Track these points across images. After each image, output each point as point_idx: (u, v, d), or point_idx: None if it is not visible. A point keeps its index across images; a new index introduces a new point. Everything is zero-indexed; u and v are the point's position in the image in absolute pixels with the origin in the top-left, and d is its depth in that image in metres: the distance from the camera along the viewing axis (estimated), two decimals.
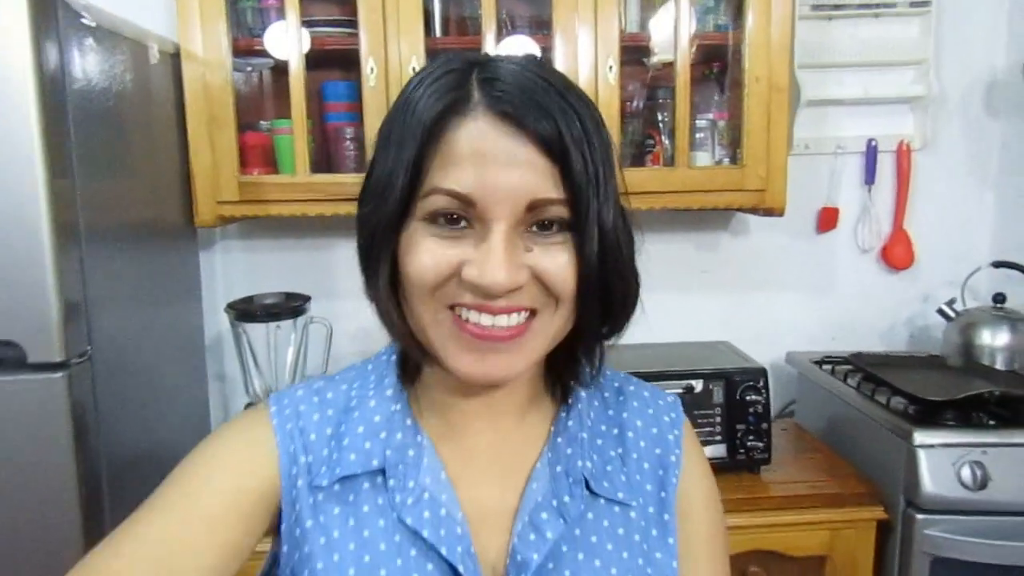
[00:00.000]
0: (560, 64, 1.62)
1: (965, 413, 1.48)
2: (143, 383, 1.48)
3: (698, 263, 2.03)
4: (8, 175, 1.12)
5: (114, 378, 1.32)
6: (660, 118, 1.80)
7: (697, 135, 1.76)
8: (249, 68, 1.78)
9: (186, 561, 0.59)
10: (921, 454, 1.41)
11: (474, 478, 0.67)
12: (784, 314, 2.05)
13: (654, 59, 1.77)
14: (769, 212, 1.72)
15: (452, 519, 0.63)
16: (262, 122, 1.78)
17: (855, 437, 1.65)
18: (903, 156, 1.98)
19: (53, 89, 1.16)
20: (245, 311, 1.62)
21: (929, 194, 2.02)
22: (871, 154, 1.98)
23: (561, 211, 0.58)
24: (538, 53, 1.67)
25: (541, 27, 1.70)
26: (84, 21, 1.25)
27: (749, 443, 1.53)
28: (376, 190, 0.61)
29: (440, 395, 0.68)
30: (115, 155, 1.39)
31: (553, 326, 0.62)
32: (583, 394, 0.72)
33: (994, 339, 1.73)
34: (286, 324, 1.62)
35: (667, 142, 1.76)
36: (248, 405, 1.67)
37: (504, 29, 1.70)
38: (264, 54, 1.65)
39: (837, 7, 1.94)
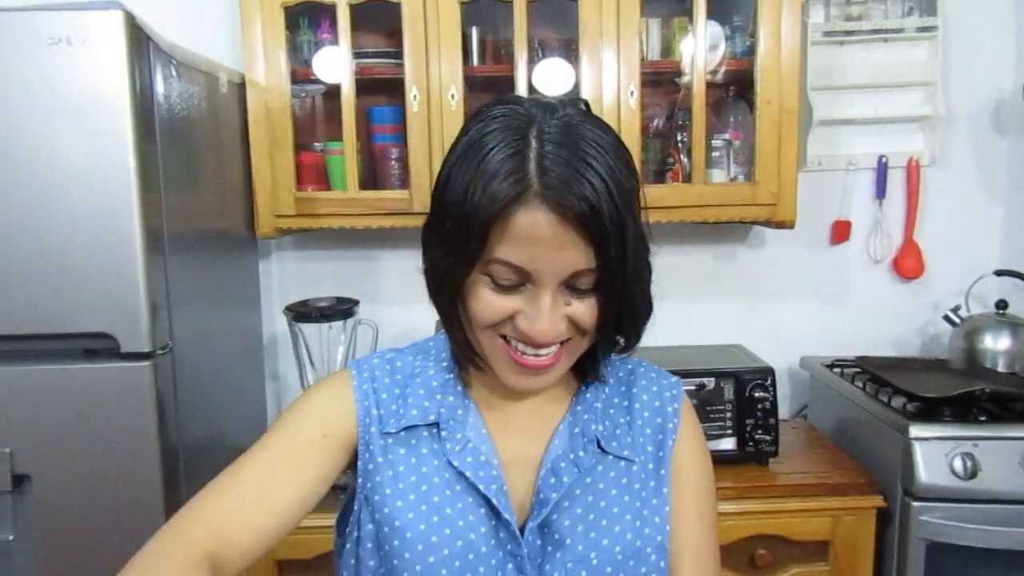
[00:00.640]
0: (586, 89, 1.78)
1: (960, 410, 1.59)
2: (211, 377, 1.66)
3: (716, 273, 2.16)
4: (107, 188, 1.31)
5: (189, 370, 1.50)
6: (679, 138, 1.95)
7: (713, 154, 1.90)
8: (304, 94, 1.97)
9: (280, 490, 0.77)
10: (917, 446, 1.53)
11: (509, 434, 0.83)
12: (799, 322, 2.17)
13: (677, 81, 1.92)
14: (780, 225, 1.85)
15: (490, 464, 0.80)
16: (315, 143, 1.97)
17: (859, 433, 1.77)
18: (912, 172, 2.10)
19: (145, 114, 1.35)
20: (301, 313, 1.80)
21: (938, 208, 2.13)
22: (882, 170, 2.10)
23: (595, 277, 0.73)
24: (572, 77, 1.83)
25: (569, 53, 1.86)
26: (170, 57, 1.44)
27: (757, 436, 1.66)
28: (450, 239, 0.73)
29: (491, 380, 0.84)
30: (191, 172, 1.58)
31: (580, 349, 0.79)
32: (600, 372, 0.88)
33: (996, 343, 1.84)
34: (337, 325, 1.80)
35: (685, 160, 1.91)
36: None
37: (535, 56, 1.86)
38: (318, 81, 1.84)
39: (848, 33, 2.06)
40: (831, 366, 1.97)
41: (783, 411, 2.11)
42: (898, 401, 1.66)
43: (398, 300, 2.09)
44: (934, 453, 1.52)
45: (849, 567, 1.61)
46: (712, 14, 1.80)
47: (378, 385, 0.84)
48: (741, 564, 1.62)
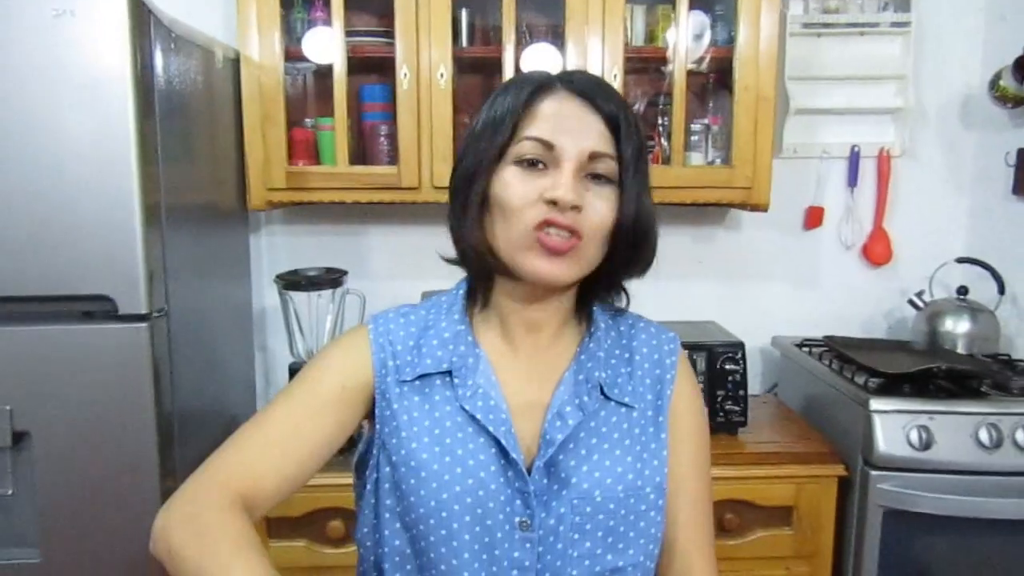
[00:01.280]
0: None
1: (918, 386, 1.68)
2: (204, 343, 1.71)
3: (695, 254, 2.24)
4: (108, 157, 1.35)
5: (183, 335, 1.55)
6: (660, 122, 2.02)
7: (692, 138, 1.98)
8: (296, 72, 2.02)
9: (303, 439, 0.85)
10: (876, 419, 1.62)
11: (518, 380, 0.89)
12: (772, 303, 2.26)
13: (659, 67, 1.99)
14: (755, 208, 1.93)
15: (499, 408, 0.86)
16: (307, 120, 2.01)
17: (825, 407, 1.86)
18: (884, 162, 2.18)
19: (145, 87, 1.39)
20: (291, 281, 1.85)
21: (907, 197, 2.22)
22: (854, 159, 2.18)
23: (612, 166, 0.83)
24: (558, 61, 1.89)
25: (555, 39, 1.92)
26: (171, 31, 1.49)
27: (728, 407, 1.74)
28: (480, 139, 0.85)
29: (501, 310, 0.91)
30: (187, 146, 1.63)
31: (590, 251, 0.84)
32: (602, 325, 0.94)
33: (956, 326, 1.94)
34: (326, 294, 1.86)
35: (665, 143, 1.98)
36: (292, 366, 1.91)
37: (523, 40, 1.92)
38: (311, 60, 1.89)
39: (826, 25, 2.14)
40: (800, 345, 2.06)
41: (755, 388, 2.20)
42: (861, 377, 1.75)
43: (385, 273, 2.15)
44: (892, 425, 1.61)
45: (812, 531, 1.70)
46: (696, 3, 1.86)
47: (394, 338, 0.91)
48: None
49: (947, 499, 1.58)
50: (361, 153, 1.99)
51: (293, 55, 1.88)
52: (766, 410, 1.99)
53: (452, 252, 0.92)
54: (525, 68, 1.89)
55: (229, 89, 1.85)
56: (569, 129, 0.82)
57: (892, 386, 1.69)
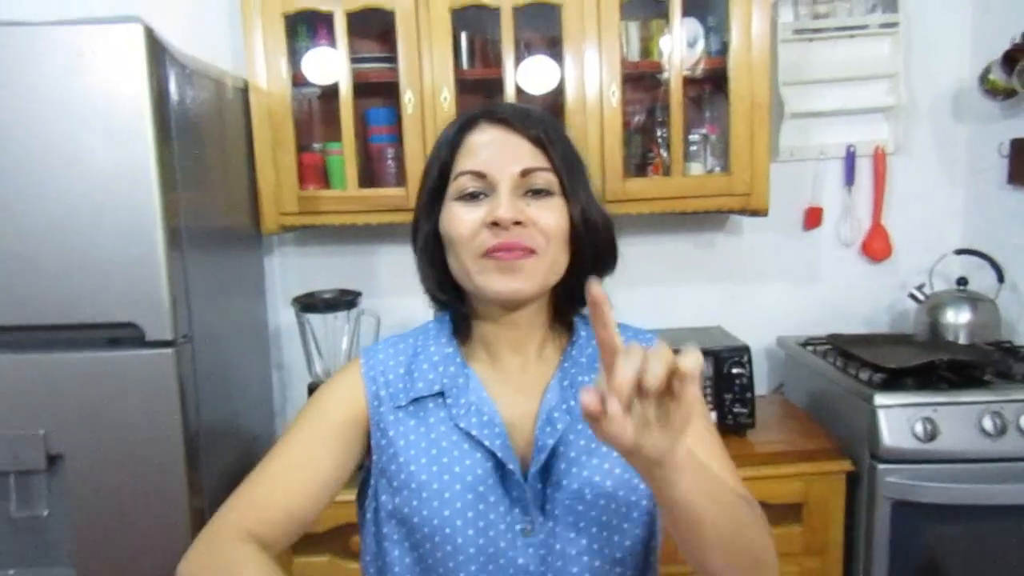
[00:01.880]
0: (570, 88, 1.90)
1: (921, 379, 1.72)
2: (225, 365, 1.77)
3: (696, 260, 2.29)
4: (130, 187, 1.42)
5: (205, 358, 1.61)
6: (659, 133, 2.08)
7: (691, 147, 2.03)
8: (303, 97, 2.08)
9: (308, 474, 0.91)
10: (881, 413, 1.66)
11: (508, 395, 0.93)
12: (775, 304, 2.30)
13: (656, 79, 2.04)
14: (755, 213, 1.97)
15: (492, 422, 0.90)
16: (315, 144, 2.07)
17: (831, 405, 1.90)
18: (879, 160, 2.23)
19: (162, 118, 1.46)
20: (308, 304, 1.91)
21: (903, 193, 2.26)
22: (850, 159, 2.23)
23: (548, 177, 0.88)
24: (556, 79, 1.94)
25: (554, 55, 1.97)
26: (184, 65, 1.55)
27: (736, 410, 1.79)
28: (419, 197, 0.94)
29: (481, 331, 0.95)
30: (202, 173, 1.69)
31: (548, 261, 0.88)
32: (583, 332, 0.97)
33: (957, 317, 1.98)
34: (341, 315, 1.92)
35: (665, 154, 2.04)
36: (311, 384, 1.96)
37: (522, 57, 1.97)
38: (317, 85, 1.95)
39: (816, 31, 2.19)
40: (805, 344, 2.10)
41: (761, 388, 2.24)
42: (865, 373, 1.79)
43: (395, 292, 2.21)
44: (897, 419, 1.65)
45: (822, 526, 1.74)
46: (688, 14, 1.92)
47: (384, 368, 0.95)
48: None
49: (954, 488, 1.62)
50: (369, 175, 2.04)
51: (299, 81, 1.94)
52: (773, 410, 2.04)
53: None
54: (524, 83, 1.94)
55: (239, 117, 1.91)
56: (498, 156, 0.87)
57: (896, 380, 1.73)
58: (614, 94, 1.90)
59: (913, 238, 2.27)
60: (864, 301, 2.30)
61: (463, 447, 0.89)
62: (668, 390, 0.62)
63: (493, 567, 0.87)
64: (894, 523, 1.66)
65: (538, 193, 0.88)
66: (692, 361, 0.61)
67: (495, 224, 0.85)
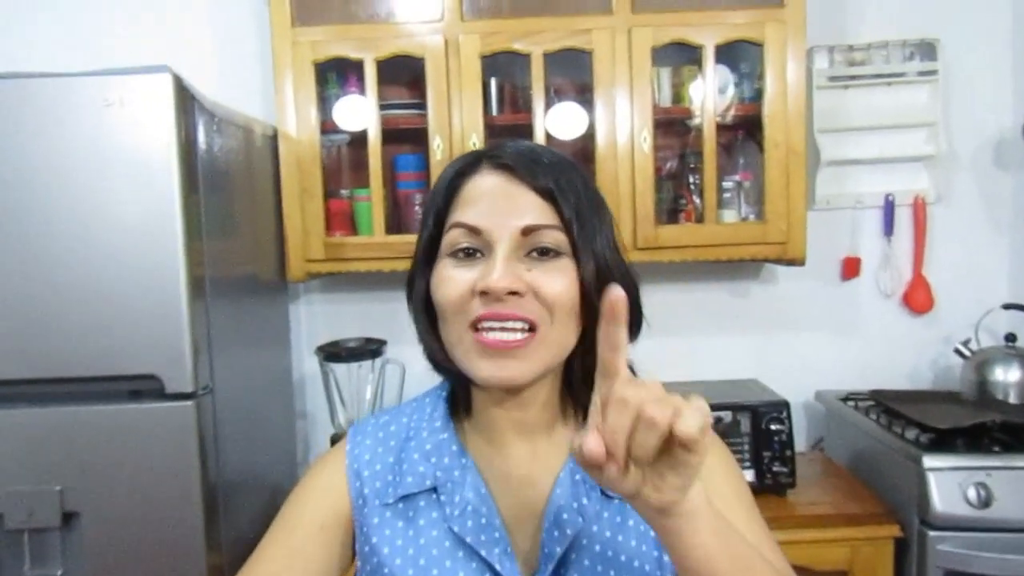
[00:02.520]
0: (600, 134, 1.87)
1: (972, 440, 1.64)
2: (247, 416, 1.73)
3: (731, 309, 2.22)
4: (155, 237, 1.40)
5: (227, 409, 1.57)
6: (691, 180, 2.03)
7: (724, 194, 1.98)
8: (331, 144, 2.07)
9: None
10: (931, 476, 1.57)
11: (511, 488, 0.80)
12: (813, 356, 2.22)
13: (688, 125, 2.01)
14: (791, 262, 1.91)
15: (491, 526, 0.77)
16: (342, 190, 2.06)
17: (875, 464, 1.81)
18: (919, 209, 2.16)
19: (189, 168, 1.44)
20: (332, 353, 1.87)
21: (945, 243, 2.19)
22: (888, 208, 2.17)
23: (555, 236, 0.74)
24: (584, 124, 1.92)
25: (584, 101, 1.95)
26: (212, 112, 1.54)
27: (775, 469, 1.71)
28: (416, 246, 0.81)
29: (483, 415, 0.81)
30: (229, 220, 1.67)
31: (552, 338, 0.74)
32: None
33: (1006, 375, 1.89)
34: (366, 365, 1.87)
35: (697, 201, 1.99)
36: (334, 436, 1.91)
37: (552, 103, 1.95)
38: (346, 132, 1.94)
39: (852, 78, 2.15)
40: (846, 399, 2.02)
41: (799, 444, 2.16)
42: (911, 432, 1.70)
43: None
44: (948, 483, 1.56)
45: None
46: (720, 60, 1.89)
47: (372, 457, 0.83)
48: None
49: (1012, 559, 1.52)
50: (397, 222, 2.02)
51: (328, 128, 1.93)
52: (813, 468, 1.95)
53: None
54: (554, 129, 1.91)
55: (268, 164, 1.90)
56: (497, 209, 0.74)
57: (945, 441, 1.65)
58: (645, 140, 1.86)
59: (956, 290, 2.19)
60: (905, 355, 2.22)
61: (456, 555, 0.77)
62: (671, 441, 0.55)
63: None
64: None
65: (544, 254, 0.74)
66: (692, 425, 0.53)
67: (484, 293, 0.72)
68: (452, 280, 0.74)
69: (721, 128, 1.95)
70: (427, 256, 0.79)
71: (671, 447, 0.55)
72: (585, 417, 0.80)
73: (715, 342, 2.21)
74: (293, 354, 2.13)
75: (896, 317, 2.22)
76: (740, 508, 0.80)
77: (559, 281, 0.73)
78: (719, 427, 1.72)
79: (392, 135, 1.95)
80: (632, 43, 1.84)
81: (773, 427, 1.72)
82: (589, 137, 1.91)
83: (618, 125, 1.87)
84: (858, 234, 2.20)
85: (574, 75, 2.01)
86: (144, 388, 1.42)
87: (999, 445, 1.62)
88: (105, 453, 1.41)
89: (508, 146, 0.79)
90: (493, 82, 1.98)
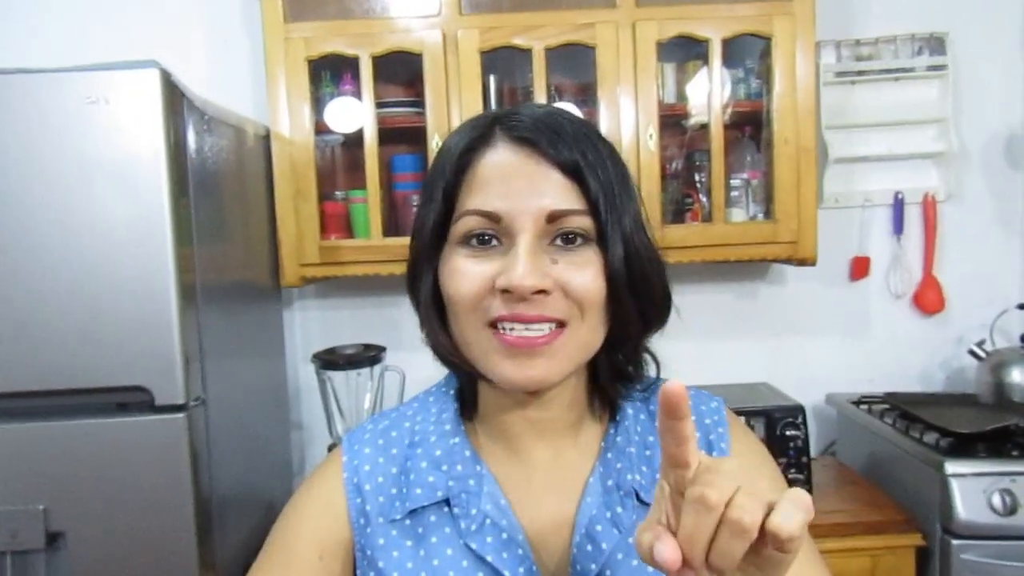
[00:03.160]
0: (604, 132, 1.79)
1: (994, 445, 1.58)
2: (241, 428, 1.65)
3: (738, 311, 2.17)
4: (143, 242, 1.32)
5: (220, 421, 1.49)
6: (698, 179, 1.98)
7: (732, 193, 1.92)
8: (325, 145, 2.00)
9: None
10: (953, 483, 1.52)
11: (534, 497, 0.72)
12: (822, 358, 2.17)
13: (693, 122, 1.95)
14: (802, 262, 1.86)
15: (514, 541, 0.69)
16: (337, 192, 1.99)
17: (892, 470, 1.75)
18: (929, 207, 2.11)
19: (179, 169, 1.37)
20: (329, 360, 1.80)
21: (956, 242, 2.14)
22: (898, 206, 2.12)
23: (582, 221, 0.65)
24: (588, 115, 1.86)
25: (587, 99, 1.89)
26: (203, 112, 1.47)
27: (791, 476, 1.65)
28: (418, 225, 0.70)
29: (498, 417, 0.73)
30: (220, 224, 1.60)
31: (581, 335, 0.67)
32: (629, 410, 0.76)
33: (1023, 377, 1.83)
34: (364, 372, 1.80)
35: (704, 200, 1.93)
36: (331, 447, 1.84)
37: (553, 101, 1.89)
38: (341, 132, 1.87)
39: (860, 73, 2.10)
40: (859, 403, 1.96)
41: (812, 448, 2.09)
42: (930, 436, 1.65)
43: (422, 346, 2.08)
44: (972, 489, 1.51)
45: None
46: (724, 60, 1.83)
47: (372, 469, 0.74)
48: None
49: None
50: (394, 224, 1.95)
51: (322, 129, 1.87)
52: (828, 474, 1.89)
53: None
54: None
55: (260, 166, 1.83)
56: (517, 191, 0.64)
57: (965, 446, 1.59)
58: (651, 137, 1.80)
59: (968, 290, 2.14)
60: (917, 356, 2.17)
61: None
62: (760, 541, 0.47)
63: None
64: None
65: (570, 241, 0.66)
66: (794, 524, 0.45)
67: (507, 291, 0.64)
68: (466, 274, 0.65)
69: (728, 125, 1.89)
70: (434, 239, 0.69)
71: (760, 547, 0.47)
72: (613, 415, 0.75)
73: (723, 345, 2.15)
74: (288, 363, 2.06)
75: (907, 318, 2.17)
76: (810, 559, 0.71)
77: (588, 274, 0.65)
78: None
79: (389, 135, 1.89)
80: (636, 38, 1.78)
81: (788, 432, 1.66)
82: None
83: (623, 123, 1.81)
84: (867, 233, 2.15)
85: (576, 73, 1.95)
86: (132, 400, 1.35)
87: (1021, 450, 1.57)
88: (92, 470, 1.34)
89: (524, 113, 0.68)
90: (493, 80, 1.92)
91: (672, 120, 1.95)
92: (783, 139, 1.82)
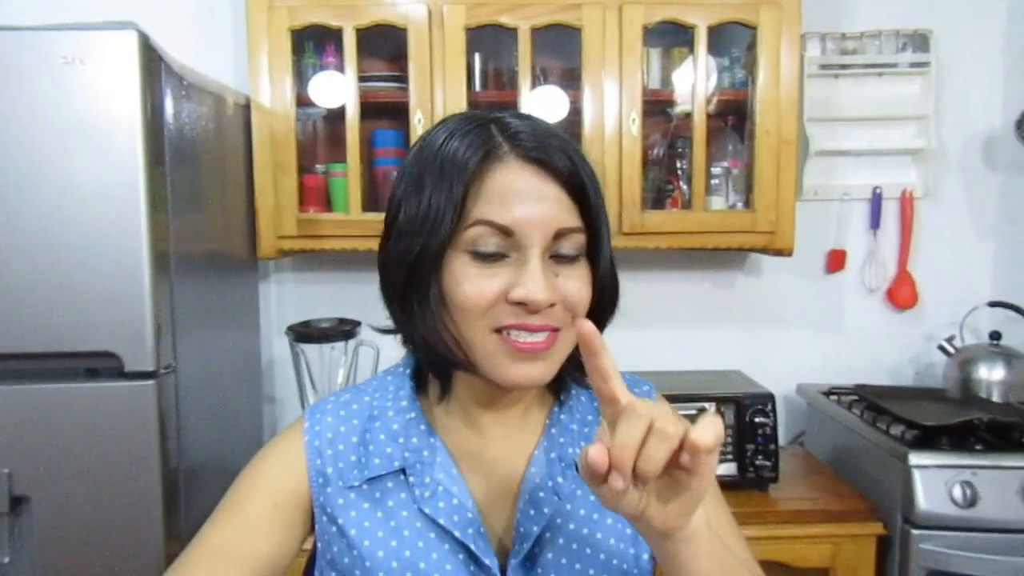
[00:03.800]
0: (587, 116, 1.81)
1: (958, 439, 1.61)
2: (211, 398, 1.65)
3: (715, 300, 2.18)
4: (116, 208, 1.31)
5: (190, 391, 1.49)
6: (679, 166, 1.98)
7: (712, 181, 1.93)
8: (307, 117, 1.98)
9: (242, 561, 0.74)
10: (916, 474, 1.54)
11: (482, 468, 0.79)
12: (794, 349, 2.19)
13: (677, 109, 1.95)
14: (779, 252, 1.87)
15: (464, 507, 0.75)
16: (317, 166, 1.97)
17: (858, 461, 1.78)
18: (907, 204, 2.13)
19: (155, 135, 1.35)
20: (303, 333, 1.79)
21: (932, 239, 2.16)
22: (876, 201, 2.13)
23: (581, 238, 0.72)
24: (567, 106, 1.86)
25: (571, 81, 1.89)
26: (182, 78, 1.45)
27: (758, 462, 1.67)
28: (417, 226, 0.70)
29: (469, 402, 0.80)
30: (196, 194, 1.58)
31: (570, 337, 0.73)
32: (572, 390, 0.84)
33: (990, 373, 1.87)
34: (339, 346, 1.80)
35: (685, 187, 1.94)
36: None
37: (538, 82, 1.89)
38: (322, 105, 1.85)
39: (844, 67, 2.11)
40: (828, 393, 1.99)
41: (780, 438, 2.12)
42: (896, 429, 1.67)
43: None
44: (934, 481, 1.53)
45: None
46: (710, 47, 1.83)
47: (334, 435, 0.79)
48: None
49: (995, 560, 1.49)
50: (373, 199, 1.94)
51: (304, 100, 1.85)
52: (794, 463, 1.91)
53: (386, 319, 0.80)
54: (538, 109, 1.84)
55: (240, 136, 1.81)
56: (531, 210, 0.68)
57: (930, 439, 1.61)
58: (634, 122, 1.80)
59: (940, 287, 2.17)
60: (888, 350, 2.19)
61: (428, 537, 0.75)
62: (676, 460, 0.57)
63: None
64: None
65: (567, 257, 0.72)
66: (710, 435, 0.55)
67: (521, 303, 0.69)
68: (477, 284, 0.70)
69: (711, 114, 1.89)
70: (441, 244, 0.70)
71: (675, 470, 0.57)
72: (558, 396, 0.84)
73: (698, 332, 2.17)
74: (262, 335, 2.04)
75: (879, 312, 2.19)
76: (717, 504, 0.81)
77: (581, 285, 0.73)
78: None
79: (371, 109, 1.87)
80: (623, 21, 1.78)
81: (757, 420, 1.67)
82: (575, 119, 1.84)
83: (606, 107, 1.81)
84: (844, 227, 2.17)
85: (562, 55, 1.94)
86: (102, 366, 1.34)
87: (984, 444, 1.59)
88: (58, 434, 1.33)
89: (519, 127, 0.72)
90: (477, 58, 1.91)
91: (656, 106, 1.95)
92: (765, 130, 1.83)
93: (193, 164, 1.56)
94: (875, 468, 1.69)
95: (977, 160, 2.15)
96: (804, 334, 2.20)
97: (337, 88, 1.82)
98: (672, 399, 1.60)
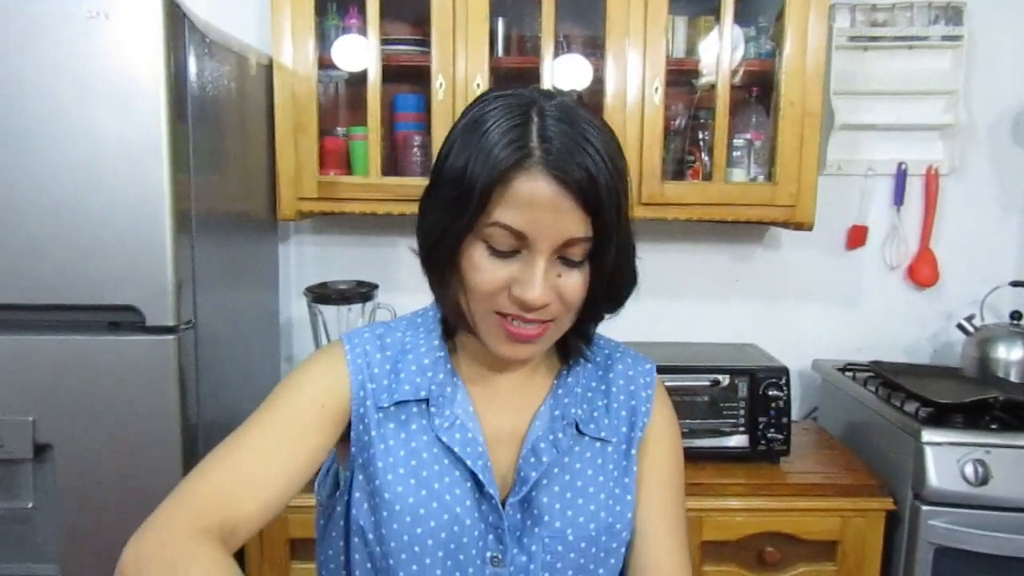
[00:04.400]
0: (610, 85, 1.79)
1: (972, 417, 1.60)
2: (230, 355, 1.67)
3: (733, 273, 2.17)
4: (139, 165, 1.33)
5: (209, 348, 1.51)
6: (701, 136, 1.96)
7: (734, 153, 1.91)
8: (329, 80, 1.98)
9: (281, 461, 0.79)
10: (928, 451, 1.54)
11: (494, 412, 0.87)
12: (812, 324, 2.18)
13: (702, 80, 1.93)
14: (799, 227, 1.86)
15: (476, 441, 0.84)
16: (338, 128, 1.98)
17: (871, 436, 1.78)
18: (931, 180, 2.10)
19: (178, 93, 1.36)
20: (321, 295, 1.81)
21: (955, 217, 2.14)
22: (900, 177, 2.11)
23: (587, 247, 0.76)
24: (590, 75, 1.85)
25: (594, 49, 1.87)
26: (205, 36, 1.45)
27: (770, 435, 1.67)
28: (448, 203, 0.77)
29: (478, 351, 0.87)
30: (219, 153, 1.60)
31: (563, 324, 0.81)
32: (585, 362, 0.92)
33: (1009, 353, 1.85)
34: (356, 308, 1.82)
35: (706, 159, 1.92)
36: None
37: (561, 50, 1.87)
38: (344, 68, 1.85)
39: (873, 39, 2.07)
40: (843, 369, 1.98)
41: (794, 412, 2.12)
42: (911, 406, 1.67)
43: (414, 286, 2.08)
44: (946, 458, 1.53)
45: (857, 568, 1.62)
46: (737, 16, 1.80)
47: (371, 359, 0.86)
48: (750, 561, 1.63)
49: (1005, 538, 1.50)
50: (393, 163, 1.94)
51: (326, 63, 1.85)
52: (807, 437, 1.92)
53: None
54: (560, 80, 1.83)
55: (262, 96, 1.81)
56: (546, 221, 0.74)
57: (944, 416, 1.61)
58: (657, 91, 1.79)
59: (962, 266, 2.14)
60: (906, 328, 2.18)
61: (443, 462, 0.83)
62: None
63: None
64: (936, 570, 1.54)
65: (572, 260, 0.77)
66: None
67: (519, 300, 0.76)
68: (488, 272, 0.76)
69: (736, 85, 1.87)
70: (465, 226, 0.76)
71: None
72: (566, 360, 0.91)
73: (715, 305, 2.16)
74: (281, 296, 2.07)
75: (899, 290, 2.17)
76: (669, 486, 0.90)
77: (579, 286, 0.78)
78: (716, 390, 1.68)
79: (392, 73, 1.87)
80: None
81: (771, 393, 1.68)
82: (598, 87, 1.83)
83: (629, 75, 1.79)
84: (867, 202, 2.14)
85: (585, 23, 1.92)
86: (124, 320, 1.37)
87: (999, 423, 1.59)
88: (81, 385, 1.36)
89: (555, 134, 0.74)
90: (500, 23, 1.90)
91: (680, 76, 1.93)
92: (789, 101, 1.81)
93: (215, 123, 1.57)
94: (888, 444, 1.69)
95: (1006, 137, 2.11)
96: (822, 309, 2.19)
97: (359, 51, 1.81)
98: (687, 370, 1.61)
